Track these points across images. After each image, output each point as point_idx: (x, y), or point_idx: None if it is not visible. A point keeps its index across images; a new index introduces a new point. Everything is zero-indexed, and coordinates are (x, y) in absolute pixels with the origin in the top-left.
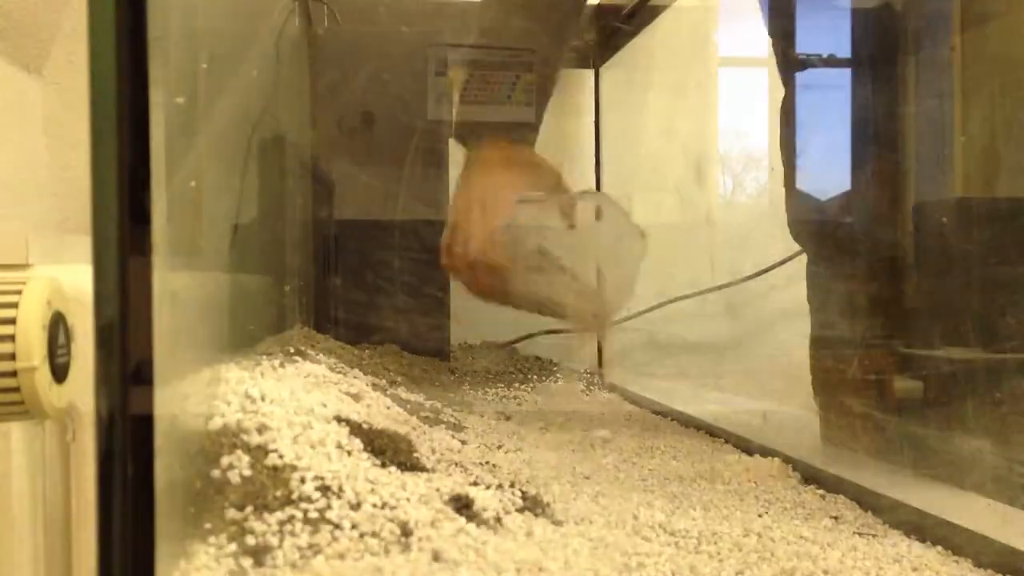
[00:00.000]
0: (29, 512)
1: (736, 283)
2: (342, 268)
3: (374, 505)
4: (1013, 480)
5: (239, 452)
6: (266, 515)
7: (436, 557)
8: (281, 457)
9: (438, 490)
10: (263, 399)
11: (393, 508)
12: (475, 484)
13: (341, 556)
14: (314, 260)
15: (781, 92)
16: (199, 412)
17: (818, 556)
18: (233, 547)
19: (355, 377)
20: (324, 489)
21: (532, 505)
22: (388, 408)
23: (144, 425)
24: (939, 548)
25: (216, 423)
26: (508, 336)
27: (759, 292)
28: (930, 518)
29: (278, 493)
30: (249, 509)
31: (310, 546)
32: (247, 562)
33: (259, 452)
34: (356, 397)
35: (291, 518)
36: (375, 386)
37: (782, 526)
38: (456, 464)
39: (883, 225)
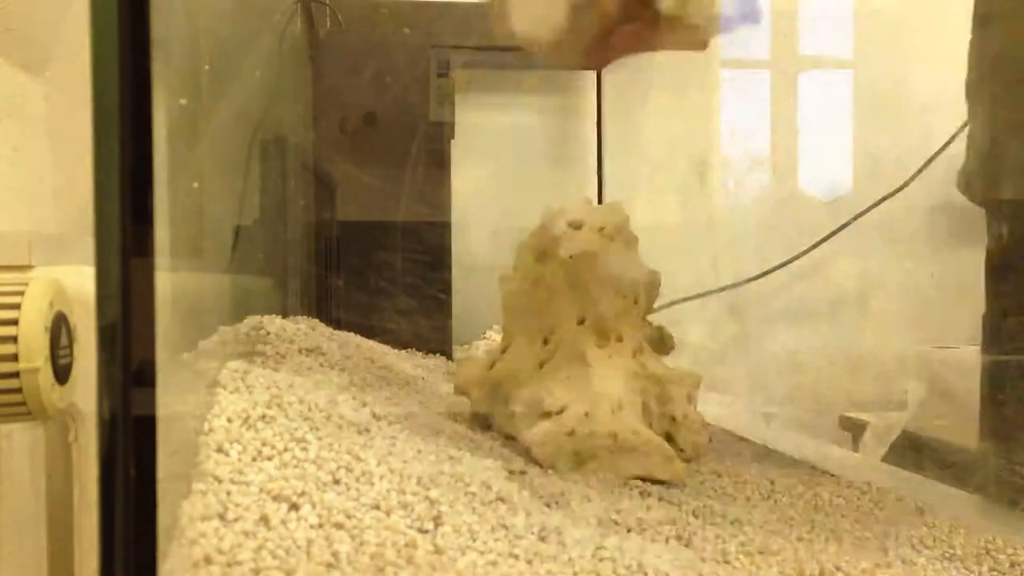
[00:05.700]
0: (31, 512)
1: (738, 284)
2: (344, 269)
3: None
4: None
5: None
6: None
7: None
8: None
9: None
10: None
11: None
12: None
13: None
14: (316, 261)
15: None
16: None
17: None
18: None
19: None
20: None
21: None
22: None
23: (146, 426)
24: None
25: None
26: None
27: (761, 293)
28: None
29: None
30: None
31: None
32: None
33: None
34: None
35: None
36: None
37: None
38: None
39: None
